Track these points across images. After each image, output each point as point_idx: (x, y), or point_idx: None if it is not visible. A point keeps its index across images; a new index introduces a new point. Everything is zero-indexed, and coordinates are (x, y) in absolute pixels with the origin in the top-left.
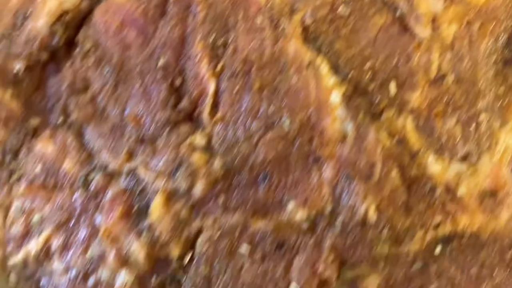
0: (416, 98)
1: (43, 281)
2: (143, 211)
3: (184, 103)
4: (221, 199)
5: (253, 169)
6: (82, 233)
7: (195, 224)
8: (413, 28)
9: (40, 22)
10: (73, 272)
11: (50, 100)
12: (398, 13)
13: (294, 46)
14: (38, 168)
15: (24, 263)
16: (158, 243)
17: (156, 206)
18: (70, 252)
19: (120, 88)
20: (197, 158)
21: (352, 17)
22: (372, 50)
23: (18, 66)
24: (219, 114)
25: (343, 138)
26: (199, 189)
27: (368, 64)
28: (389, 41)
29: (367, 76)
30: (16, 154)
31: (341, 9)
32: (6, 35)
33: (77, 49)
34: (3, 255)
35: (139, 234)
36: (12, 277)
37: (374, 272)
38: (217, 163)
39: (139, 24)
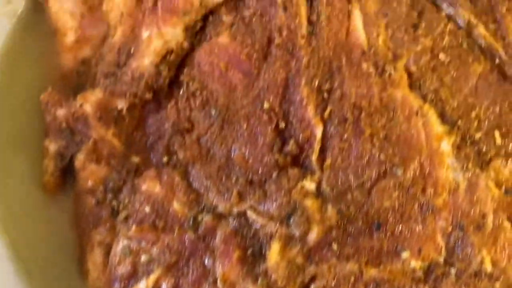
0: None
1: None
2: (258, 255)
3: (290, 146)
4: (335, 246)
5: (367, 217)
6: (193, 274)
7: (310, 271)
8: None
9: (145, 61)
10: None
11: (150, 138)
12: (496, 61)
13: (401, 92)
14: (147, 209)
15: None
16: None
17: (274, 252)
18: None
19: (225, 130)
20: (310, 204)
21: (452, 64)
22: (475, 98)
23: (121, 104)
24: (328, 161)
25: (455, 187)
26: (313, 235)
27: (473, 113)
28: (490, 89)
29: (474, 125)
30: (117, 191)
31: (442, 56)
32: (110, 73)
33: (182, 90)
34: None
35: (255, 279)
36: None
37: None
38: (330, 210)
39: (244, 66)
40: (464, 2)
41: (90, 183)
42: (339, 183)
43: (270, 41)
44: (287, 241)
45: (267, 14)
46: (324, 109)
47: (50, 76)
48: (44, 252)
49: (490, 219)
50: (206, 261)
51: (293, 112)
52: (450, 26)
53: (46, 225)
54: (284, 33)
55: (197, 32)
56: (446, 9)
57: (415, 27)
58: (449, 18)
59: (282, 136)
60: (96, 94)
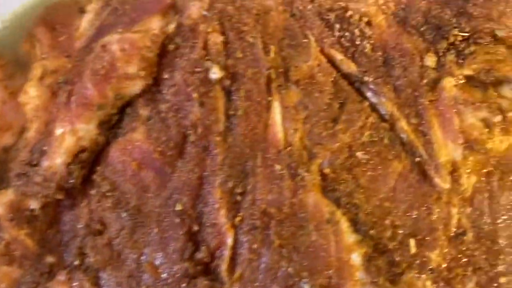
0: (436, 256)
1: None
2: None
3: (202, 253)
4: None
5: None
6: None
7: None
8: (433, 178)
9: (57, 161)
10: None
11: (64, 236)
12: (417, 159)
13: (313, 198)
14: None
15: None
16: None
17: None
18: None
19: (137, 233)
20: None
21: (371, 163)
22: (391, 202)
23: (34, 205)
24: (238, 272)
25: None
26: None
27: (388, 219)
28: (408, 190)
29: (387, 234)
30: None
31: (359, 154)
32: (22, 173)
33: (94, 190)
34: None
35: None
36: None
37: None
38: None
39: (157, 165)
40: (388, 92)
41: (3, 286)
42: None
43: (185, 137)
44: None
45: (183, 109)
46: (235, 215)
47: None
48: None
49: None
50: None
51: (207, 215)
52: (372, 118)
53: None
54: (199, 129)
55: (114, 125)
56: (371, 97)
57: (335, 120)
58: (373, 108)
59: (194, 240)
60: (8, 195)
